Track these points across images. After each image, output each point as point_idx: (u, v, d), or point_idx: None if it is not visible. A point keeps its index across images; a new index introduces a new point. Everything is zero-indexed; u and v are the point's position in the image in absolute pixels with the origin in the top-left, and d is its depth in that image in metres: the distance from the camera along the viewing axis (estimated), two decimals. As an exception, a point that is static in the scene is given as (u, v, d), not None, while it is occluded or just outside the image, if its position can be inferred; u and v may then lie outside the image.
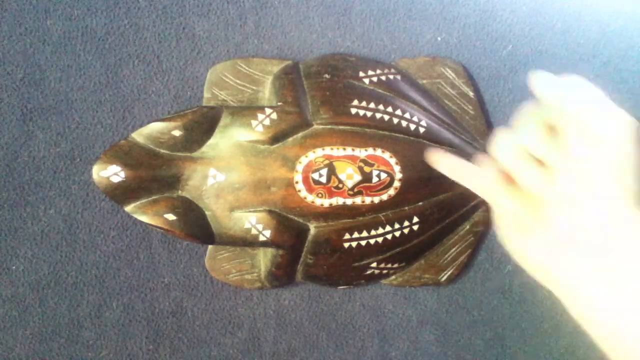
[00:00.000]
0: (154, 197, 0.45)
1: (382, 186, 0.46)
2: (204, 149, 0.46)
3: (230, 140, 0.46)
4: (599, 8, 0.55)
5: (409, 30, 0.53)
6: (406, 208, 0.48)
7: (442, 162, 0.44)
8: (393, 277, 0.52)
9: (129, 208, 0.45)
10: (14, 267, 0.49)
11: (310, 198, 0.46)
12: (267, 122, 0.46)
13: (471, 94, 0.53)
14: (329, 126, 0.46)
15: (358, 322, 0.54)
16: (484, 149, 0.52)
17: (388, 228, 0.48)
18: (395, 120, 0.48)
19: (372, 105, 0.48)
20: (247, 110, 0.46)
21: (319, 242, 0.47)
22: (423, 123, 0.49)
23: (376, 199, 0.46)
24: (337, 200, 0.46)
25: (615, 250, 0.31)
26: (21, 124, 0.49)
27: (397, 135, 0.48)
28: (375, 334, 0.54)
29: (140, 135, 0.45)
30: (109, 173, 0.44)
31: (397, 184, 0.47)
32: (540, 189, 0.35)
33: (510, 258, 0.56)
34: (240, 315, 0.53)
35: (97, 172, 0.44)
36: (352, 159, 0.46)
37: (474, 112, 0.53)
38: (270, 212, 0.45)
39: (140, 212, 0.45)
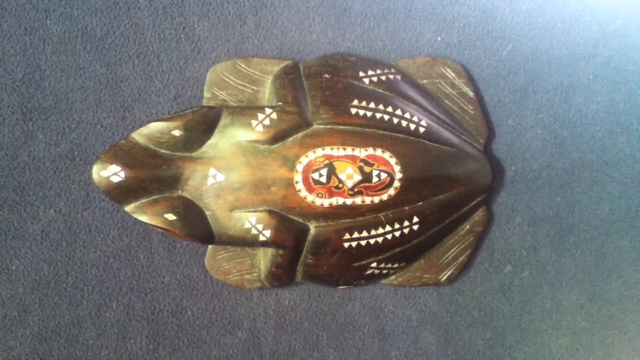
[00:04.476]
0: (154, 197, 0.45)
1: (382, 186, 0.46)
2: (204, 149, 0.46)
3: (230, 140, 0.46)
4: (599, 8, 0.55)
5: (409, 30, 0.53)
6: (406, 208, 0.48)
7: None
8: (393, 277, 0.52)
9: (129, 208, 0.45)
10: (14, 267, 0.49)
11: (310, 198, 0.46)
12: (267, 122, 0.46)
13: (471, 94, 0.53)
14: (329, 126, 0.46)
15: (358, 322, 0.54)
16: (484, 149, 0.52)
17: (388, 228, 0.48)
18: (395, 120, 0.48)
19: (372, 105, 0.48)
20: (247, 110, 0.46)
21: (319, 242, 0.47)
22: (423, 123, 0.49)
23: (376, 199, 0.46)
24: (337, 200, 0.46)
25: None
26: (21, 124, 0.49)
27: (397, 135, 0.48)
28: (375, 334, 0.54)
29: (140, 135, 0.45)
30: (109, 173, 0.44)
31: (397, 183, 0.47)
32: None
33: (510, 258, 0.56)
34: (240, 315, 0.53)
35: (97, 172, 0.44)
36: (352, 158, 0.46)
37: (474, 112, 0.53)
38: (270, 212, 0.45)
39: (140, 212, 0.45)
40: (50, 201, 0.50)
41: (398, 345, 0.55)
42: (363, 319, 0.54)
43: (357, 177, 0.46)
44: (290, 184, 0.45)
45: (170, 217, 0.45)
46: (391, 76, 0.50)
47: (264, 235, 0.46)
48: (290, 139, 0.46)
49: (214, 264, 0.50)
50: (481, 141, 0.52)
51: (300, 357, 0.54)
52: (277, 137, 0.45)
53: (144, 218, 0.45)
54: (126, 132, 0.50)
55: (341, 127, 0.46)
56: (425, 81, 0.52)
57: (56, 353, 0.50)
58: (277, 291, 0.53)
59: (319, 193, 0.46)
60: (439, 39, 0.54)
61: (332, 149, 0.46)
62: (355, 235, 0.47)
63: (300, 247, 0.47)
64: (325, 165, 0.46)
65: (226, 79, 0.49)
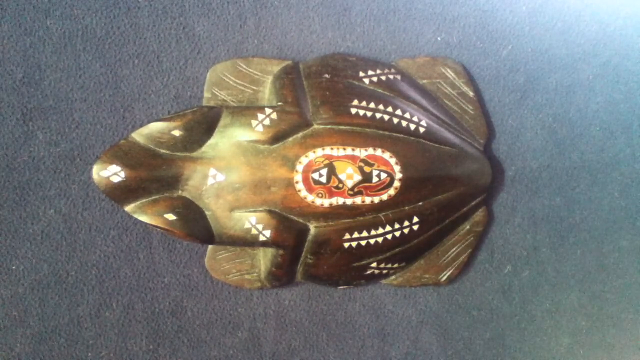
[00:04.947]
0: (154, 197, 0.45)
1: (382, 186, 0.46)
2: (204, 149, 0.46)
3: (230, 140, 0.46)
4: (599, 8, 0.55)
5: (409, 30, 0.53)
6: (406, 208, 0.48)
7: None
8: (393, 277, 0.52)
9: (129, 208, 0.45)
10: (14, 267, 0.49)
11: (310, 198, 0.46)
12: (267, 122, 0.46)
13: (471, 94, 0.53)
14: (329, 126, 0.46)
15: (358, 322, 0.54)
16: (484, 149, 0.52)
17: (388, 228, 0.48)
18: (395, 120, 0.48)
19: (372, 105, 0.48)
20: (247, 110, 0.46)
21: (319, 242, 0.47)
22: (423, 123, 0.49)
23: (376, 199, 0.46)
24: (337, 200, 0.46)
25: None
26: (21, 124, 0.49)
27: (397, 135, 0.48)
28: (375, 334, 0.54)
29: (140, 135, 0.45)
30: (109, 173, 0.44)
31: (397, 183, 0.47)
32: None
33: (510, 258, 0.56)
34: (240, 315, 0.53)
35: (97, 172, 0.44)
36: (352, 158, 0.46)
37: (474, 112, 0.53)
38: (270, 212, 0.45)
39: (140, 212, 0.45)
40: (50, 201, 0.50)
41: (398, 345, 0.55)
42: (363, 319, 0.54)
43: (357, 177, 0.46)
44: (290, 184, 0.45)
45: (170, 217, 0.45)
46: (391, 76, 0.50)
47: (264, 235, 0.46)
48: (290, 139, 0.46)
49: (214, 264, 0.50)
50: (481, 141, 0.52)
51: (300, 357, 0.54)
52: (277, 137, 0.45)
53: (144, 218, 0.45)
54: (126, 132, 0.50)
55: (341, 127, 0.46)
56: (425, 81, 0.52)
57: (56, 353, 0.50)
58: (277, 291, 0.53)
59: (319, 193, 0.46)
60: (439, 39, 0.54)
61: (332, 149, 0.46)
62: (355, 235, 0.47)
63: (300, 247, 0.47)
64: (325, 165, 0.46)
65: (226, 79, 0.49)
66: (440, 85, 0.52)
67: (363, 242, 0.47)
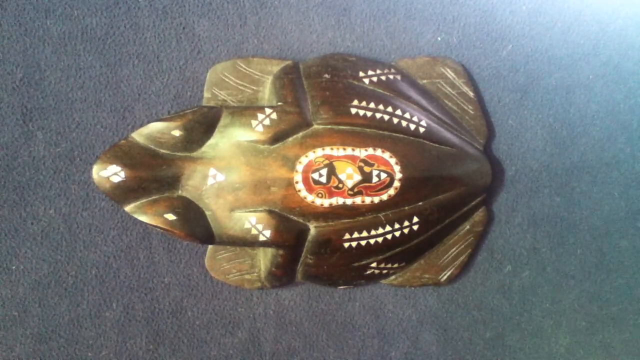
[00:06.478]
0: (154, 197, 0.45)
1: (382, 186, 0.46)
2: (204, 149, 0.46)
3: (230, 140, 0.46)
4: (599, 8, 0.55)
5: (409, 30, 0.54)
6: (406, 208, 0.48)
7: None
8: (393, 277, 0.52)
9: (129, 208, 0.45)
10: (14, 267, 0.50)
11: (310, 198, 0.46)
12: (267, 122, 0.46)
13: (471, 94, 0.53)
14: (329, 126, 0.46)
15: (358, 322, 0.54)
16: (484, 149, 0.52)
17: (388, 228, 0.48)
18: (395, 120, 0.48)
19: (372, 105, 0.48)
20: (247, 110, 0.46)
21: (319, 242, 0.47)
22: (423, 123, 0.49)
23: (376, 199, 0.46)
24: (337, 200, 0.46)
25: None
26: (21, 124, 0.49)
27: (397, 135, 0.48)
28: (375, 334, 0.54)
29: (140, 135, 0.45)
30: (109, 173, 0.44)
31: (397, 183, 0.47)
32: None
33: (510, 258, 0.56)
34: (240, 315, 0.53)
35: (97, 172, 0.44)
36: (352, 159, 0.46)
37: (474, 112, 0.53)
38: (270, 212, 0.45)
39: (140, 212, 0.45)
40: (50, 201, 0.50)
41: (398, 345, 0.55)
42: (363, 319, 0.54)
43: (357, 177, 0.46)
44: (290, 184, 0.45)
45: (170, 217, 0.45)
46: (391, 76, 0.50)
47: (264, 235, 0.46)
48: (290, 139, 0.46)
49: (214, 264, 0.50)
50: (481, 141, 0.52)
51: (300, 357, 0.54)
52: (277, 137, 0.45)
53: (144, 218, 0.45)
54: (126, 132, 0.50)
55: (341, 127, 0.47)
56: (425, 81, 0.52)
57: (56, 353, 0.50)
58: (277, 291, 0.53)
59: (319, 193, 0.46)
60: (439, 39, 0.54)
61: (332, 149, 0.46)
62: (355, 235, 0.47)
63: (300, 247, 0.47)
64: (325, 165, 0.46)
65: (226, 79, 0.49)
66: (440, 85, 0.52)
67: (363, 242, 0.47)
